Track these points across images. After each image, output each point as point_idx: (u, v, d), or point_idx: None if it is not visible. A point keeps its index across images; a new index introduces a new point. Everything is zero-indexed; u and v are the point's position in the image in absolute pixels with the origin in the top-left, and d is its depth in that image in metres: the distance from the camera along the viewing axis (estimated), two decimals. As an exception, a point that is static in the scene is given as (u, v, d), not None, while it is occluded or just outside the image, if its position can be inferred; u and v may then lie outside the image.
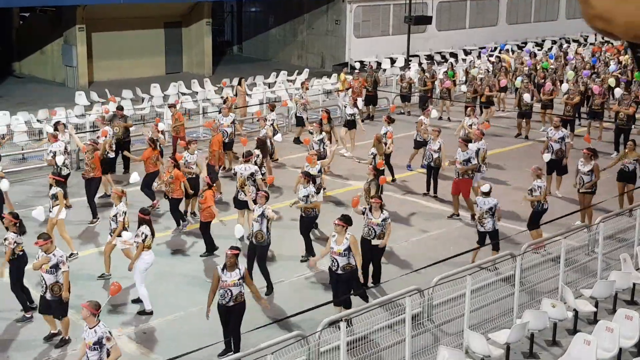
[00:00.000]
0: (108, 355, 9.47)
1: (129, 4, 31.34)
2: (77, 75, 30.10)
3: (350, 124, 22.29)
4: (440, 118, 26.19)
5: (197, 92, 28.01)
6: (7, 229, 12.58)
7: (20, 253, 12.34)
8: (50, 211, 14.51)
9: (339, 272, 11.95)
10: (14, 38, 33.21)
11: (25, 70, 32.74)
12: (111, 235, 13.56)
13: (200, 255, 14.90)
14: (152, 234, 12.82)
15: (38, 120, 22.87)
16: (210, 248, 14.87)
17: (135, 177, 16.02)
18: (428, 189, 18.54)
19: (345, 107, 22.90)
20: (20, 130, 22.11)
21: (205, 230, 14.80)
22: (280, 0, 37.23)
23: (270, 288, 13.44)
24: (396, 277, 13.00)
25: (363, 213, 13.29)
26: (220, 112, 21.07)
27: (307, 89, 24.45)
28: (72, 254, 14.64)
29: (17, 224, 12.36)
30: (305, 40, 36.89)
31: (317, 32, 36.25)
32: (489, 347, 10.81)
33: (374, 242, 13.17)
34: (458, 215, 17.03)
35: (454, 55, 37.08)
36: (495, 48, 38.32)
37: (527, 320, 11.29)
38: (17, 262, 12.32)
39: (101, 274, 13.84)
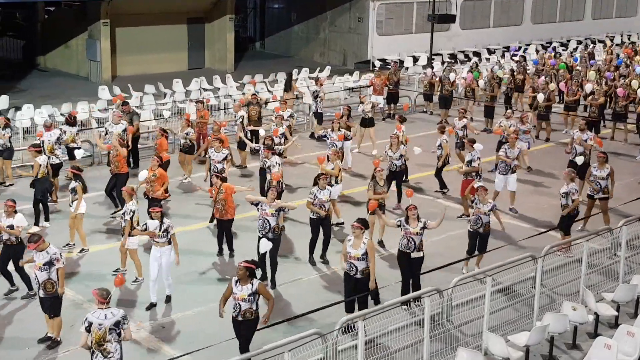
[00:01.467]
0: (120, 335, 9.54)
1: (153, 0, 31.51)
2: (100, 70, 30.26)
3: (368, 122, 22.21)
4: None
5: (219, 88, 28.07)
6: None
7: (19, 240, 12.62)
8: (70, 205, 14.59)
9: (358, 276, 11.74)
10: (39, 32, 33.46)
11: (49, 64, 32.97)
12: (123, 235, 13.50)
13: (218, 254, 14.88)
14: None
15: (61, 114, 23.00)
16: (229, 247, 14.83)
17: (144, 174, 15.58)
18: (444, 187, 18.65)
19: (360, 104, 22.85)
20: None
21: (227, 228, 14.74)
22: (303, -3, 37.27)
23: (273, 283, 13.44)
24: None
25: (398, 226, 12.72)
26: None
27: (321, 85, 24.41)
28: (82, 250, 14.74)
29: (16, 212, 12.65)
30: (327, 37, 36.84)
31: (340, 29, 36.18)
32: (508, 349, 10.74)
33: (414, 254, 12.57)
34: (468, 215, 16.92)
35: (477, 54, 36.87)
36: (520, 47, 38.06)
37: (548, 322, 11.20)
38: (12, 248, 12.58)
39: (116, 268, 13.81)
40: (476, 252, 14.05)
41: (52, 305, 11.28)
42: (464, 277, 12.25)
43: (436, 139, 18.70)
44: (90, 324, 9.40)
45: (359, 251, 11.64)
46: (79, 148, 18.37)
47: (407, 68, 33.07)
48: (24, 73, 31.43)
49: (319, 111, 23.49)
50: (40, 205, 15.81)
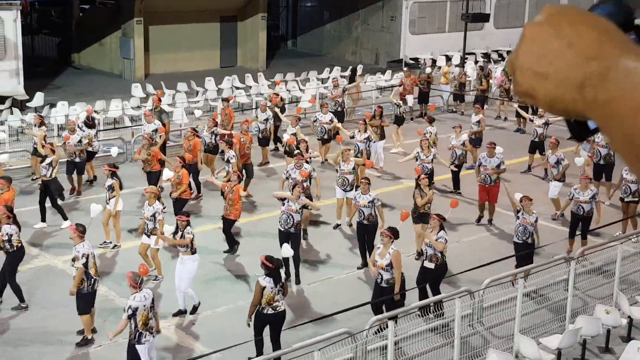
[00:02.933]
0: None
1: (186, -2, 31.73)
2: (134, 68, 30.49)
3: (398, 120, 22.25)
4: (498, 117, 25.90)
5: (250, 87, 28.14)
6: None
7: (18, 246, 12.35)
8: (107, 202, 14.69)
9: (383, 285, 11.55)
10: (74, 30, 33.83)
11: (84, 62, 33.31)
12: (148, 236, 13.41)
13: (224, 251, 14.80)
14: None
15: (95, 111, 23.22)
16: (232, 245, 14.80)
17: (168, 174, 15.72)
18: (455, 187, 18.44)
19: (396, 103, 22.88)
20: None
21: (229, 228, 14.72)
22: (335, -5, 37.22)
23: (298, 278, 13.47)
24: (445, 278, 12.84)
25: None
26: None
27: (335, 85, 24.36)
28: (115, 246, 14.84)
29: (11, 218, 12.34)
30: (359, 36, 36.76)
31: (372, 28, 36.08)
32: (539, 352, 10.62)
33: (425, 264, 12.30)
34: (483, 217, 16.66)
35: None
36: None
37: (580, 326, 11.05)
38: (12, 255, 12.36)
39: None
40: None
41: (77, 301, 11.33)
42: (495, 278, 12.12)
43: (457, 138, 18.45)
44: (136, 309, 9.85)
45: (384, 261, 11.46)
46: (96, 152, 18.71)
47: (439, 67, 32.87)
48: (59, 70, 31.79)
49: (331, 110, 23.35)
50: (45, 204, 15.78)
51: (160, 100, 21.09)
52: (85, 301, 11.35)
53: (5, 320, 12.22)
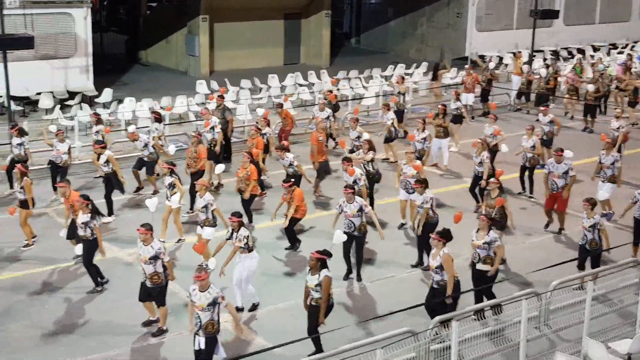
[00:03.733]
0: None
1: (251, -5, 31.94)
2: (199, 65, 30.86)
3: (456, 119, 21.81)
4: (566, 114, 25.29)
5: (313, 84, 28.14)
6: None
7: (95, 236, 12.88)
8: (168, 199, 14.82)
9: (435, 286, 11.41)
10: (141, 27, 34.43)
11: (150, 59, 33.87)
12: (202, 227, 13.54)
13: (285, 248, 14.88)
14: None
15: (161, 108, 23.54)
16: (293, 242, 14.92)
17: (221, 167, 16.13)
18: (523, 189, 18.05)
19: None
20: (144, 116, 22.82)
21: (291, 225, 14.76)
22: (400, -8, 36.96)
23: (359, 277, 13.57)
24: (511, 279, 12.59)
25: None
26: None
27: (397, 82, 24.05)
28: (179, 240, 15.06)
29: (89, 206, 12.84)
30: (424, 33, 36.43)
31: (438, 25, 35.71)
32: (609, 356, 10.30)
33: (479, 266, 12.01)
34: (552, 222, 16.03)
35: (581, 51, 35.65)
36: (627, 45, 36.59)
37: (652, 331, 10.69)
38: (90, 243, 12.85)
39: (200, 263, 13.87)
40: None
41: (158, 295, 11.64)
42: (563, 280, 11.81)
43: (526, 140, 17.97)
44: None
45: (434, 263, 11.28)
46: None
47: (506, 65, 32.32)
48: (127, 67, 32.41)
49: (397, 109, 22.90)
50: (111, 198, 16.28)
51: (222, 97, 21.11)
52: (163, 294, 11.66)
53: (73, 311, 12.51)
